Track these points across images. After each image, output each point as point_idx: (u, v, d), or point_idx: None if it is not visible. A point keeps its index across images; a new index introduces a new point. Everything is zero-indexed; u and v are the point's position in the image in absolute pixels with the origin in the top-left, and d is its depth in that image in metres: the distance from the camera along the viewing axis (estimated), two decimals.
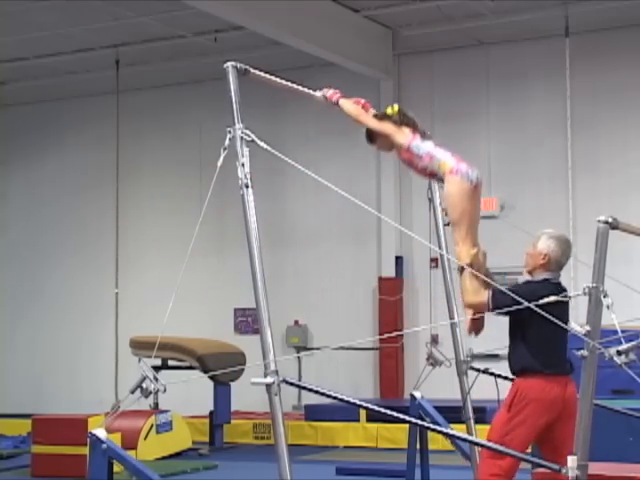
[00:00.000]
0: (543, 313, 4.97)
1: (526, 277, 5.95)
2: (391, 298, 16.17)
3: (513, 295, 5.21)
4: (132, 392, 4.72)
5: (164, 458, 12.74)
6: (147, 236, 18.30)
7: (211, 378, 13.22)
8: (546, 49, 15.59)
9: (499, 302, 5.60)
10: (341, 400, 4.91)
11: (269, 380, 4.63)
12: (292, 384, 4.85)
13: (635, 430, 8.25)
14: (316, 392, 4.88)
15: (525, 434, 5.62)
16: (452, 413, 7.64)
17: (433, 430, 5.62)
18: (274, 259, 15.98)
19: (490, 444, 5.41)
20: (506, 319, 5.85)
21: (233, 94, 5.08)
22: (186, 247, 5.31)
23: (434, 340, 14.16)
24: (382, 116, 6.09)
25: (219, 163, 4.95)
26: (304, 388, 5.13)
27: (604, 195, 14.86)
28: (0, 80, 18.18)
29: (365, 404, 5.03)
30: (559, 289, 5.75)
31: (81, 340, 18.51)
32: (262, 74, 5.44)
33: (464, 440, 6.35)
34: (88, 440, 4.98)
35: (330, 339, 15.96)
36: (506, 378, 6.18)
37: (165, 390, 4.68)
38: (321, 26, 14.58)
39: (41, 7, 14.58)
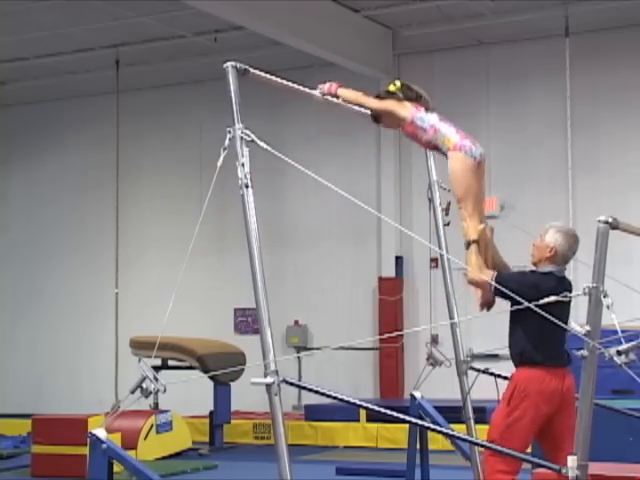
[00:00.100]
0: (540, 312, 4.98)
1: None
2: (391, 298, 16.16)
3: (513, 294, 5.22)
4: (132, 392, 4.72)
5: (164, 458, 12.74)
6: (147, 236, 18.30)
7: (211, 378, 13.21)
8: (546, 49, 15.59)
9: (502, 285, 5.60)
10: (341, 400, 4.91)
11: (269, 380, 4.63)
12: (292, 384, 4.85)
13: (635, 430, 8.24)
14: (316, 392, 4.88)
15: (526, 427, 5.63)
16: (452, 413, 7.64)
17: (433, 430, 5.62)
18: (274, 259, 15.98)
19: (491, 445, 5.42)
20: (506, 316, 5.86)
21: (233, 94, 5.08)
22: (186, 247, 5.30)
23: (434, 340, 14.18)
24: (385, 94, 6.10)
25: (219, 163, 4.95)
26: (304, 388, 5.13)
27: (604, 195, 14.87)
28: (0, 80, 18.18)
29: (365, 404, 5.03)
30: (563, 283, 5.76)
31: (81, 340, 18.51)
32: (262, 74, 5.44)
33: (464, 440, 6.36)
34: (88, 440, 4.97)
35: (330, 339, 15.96)
36: (506, 378, 6.18)
37: (165, 390, 4.68)
38: (321, 26, 14.57)
39: (41, 7, 14.58)
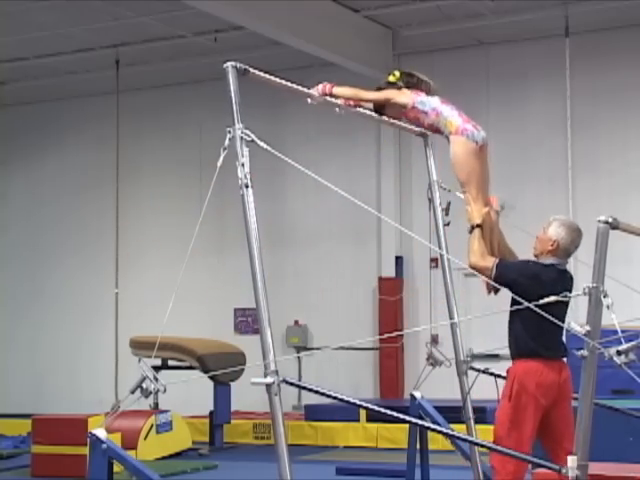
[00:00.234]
0: (538, 311, 4.98)
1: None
2: (391, 298, 16.16)
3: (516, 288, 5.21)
4: (132, 392, 4.72)
5: (164, 458, 12.74)
6: (147, 236, 18.30)
7: (211, 378, 13.21)
8: (546, 49, 15.59)
9: (502, 273, 5.61)
10: (341, 400, 4.91)
11: (269, 380, 4.63)
12: (292, 384, 4.85)
13: (635, 430, 8.25)
14: (316, 392, 4.87)
15: (529, 419, 5.64)
16: (452, 413, 7.63)
17: (433, 430, 5.61)
18: (274, 259, 15.98)
19: (491, 445, 5.42)
20: (506, 316, 5.86)
21: (233, 94, 5.08)
22: (186, 247, 5.30)
23: (434, 340, 14.17)
24: (385, 85, 6.11)
25: (219, 163, 4.94)
26: (304, 388, 5.13)
27: (604, 195, 14.87)
28: (0, 80, 18.18)
29: (365, 404, 5.03)
30: (564, 276, 5.77)
31: (81, 340, 18.51)
32: (262, 74, 5.44)
33: (464, 440, 6.35)
34: (88, 440, 4.97)
35: (330, 339, 15.96)
36: (505, 378, 6.18)
37: (165, 390, 4.68)
38: (321, 26, 14.57)
39: (41, 7, 14.58)
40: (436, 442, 10.41)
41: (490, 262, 5.69)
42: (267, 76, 5.50)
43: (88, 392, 17.81)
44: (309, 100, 6.03)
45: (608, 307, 4.43)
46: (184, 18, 15.03)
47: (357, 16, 15.34)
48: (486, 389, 6.35)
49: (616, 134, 15.17)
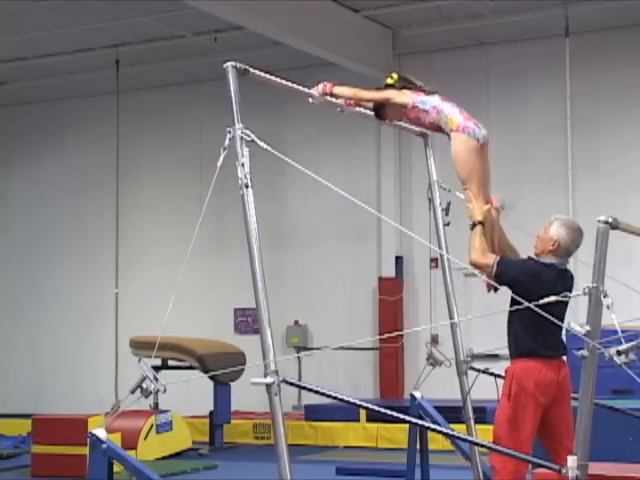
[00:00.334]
0: (538, 311, 4.98)
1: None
2: (391, 298, 16.16)
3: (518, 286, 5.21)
4: (132, 392, 4.72)
5: (164, 458, 12.74)
6: (147, 236, 18.30)
7: (211, 378, 13.21)
8: (546, 49, 15.59)
9: (503, 271, 5.61)
10: (341, 400, 4.91)
11: (269, 380, 4.63)
12: (292, 384, 4.85)
13: (635, 430, 8.25)
14: (316, 392, 4.87)
15: (529, 419, 5.64)
16: (452, 413, 7.63)
17: (433, 430, 5.61)
18: (274, 259, 15.98)
19: (491, 445, 5.42)
20: (506, 316, 5.86)
21: (233, 94, 5.08)
22: (186, 247, 5.30)
23: (434, 340, 14.17)
24: (384, 87, 6.11)
25: (219, 163, 4.95)
26: (304, 388, 5.13)
27: (604, 195, 14.87)
28: (0, 80, 18.18)
29: (365, 404, 5.03)
30: (565, 275, 5.77)
31: (81, 340, 18.51)
32: (262, 74, 5.44)
33: (464, 440, 6.36)
34: (88, 440, 4.98)
35: (330, 339, 15.96)
36: (506, 377, 6.18)
37: (165, 390, 4.68)
38: (321, 26, 14.57)
39: (41, 7, 14.58)
40: (436, 442, 10.41)
41: (491, 259, 5.69)
42: (267, 76, 5.50)
43: (88, 392, 17.81)
44: (310, 99, 6.03)
45: (608, 307, 4.43)
46: (184, 18, 15.03)
47: (357, 16, 15.34)
48: (486, 389, 6.35)
49: (616, 134, 15.17)
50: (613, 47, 15.22)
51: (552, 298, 5.00)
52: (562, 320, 5.45)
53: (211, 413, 14.11)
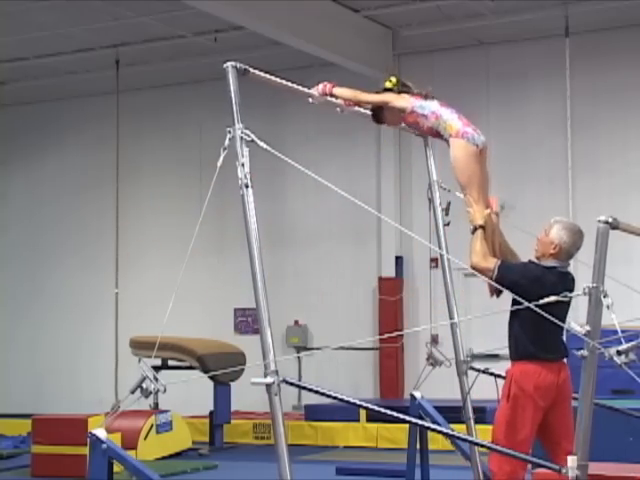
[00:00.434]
0: (537, 310, 4.98)
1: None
2: (391, 298, 16.16)
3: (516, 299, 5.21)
4: (132, 392, 4.72)
5: (164, 458, 12.74)
6: (147, 236, 18.30)
7: (211, 378, 13.21)
8: (546, 49, 15.59)
9: (503, 275, 5.61)
10: (341, 400, 4.91)
11: (269, 380, 4.62)
12: (292, 384, 4.85)
13: (635, 430, 8.25)
14: (316, 392, 4.87)
15: (527, 421, 5.65)
16: (452, 413, 7.63)
17: (433, 430, 5.62)
18: (274, 259, 15.98)
19: (491, 445, 5.42)
20: (506, 316, 5.85)
21: (233, 94, 5.07)
22: (186, 247, 5.30)
23: (434, 340, 14.17)
24: (382, 91, 6.11)
25: (219, 163, 4.94)
26: (304, 388, 5.13)
27: (604, 195, 14.86)
28: (0, 80, 18.18)
29: (365, 404, 5.03)
30: (566, 278, 5.77)
31: (81, 340, 18.51)
32: (262, 74, 5.44)
33: (464, 440, 6.36)
34: (88, 440, 4.97)
35: (330, 339, 15.96)
36: (505, 378, 6.17)
37: (165, 390, 4.68)
38: (321, 26, 14.57)
39: (41, 7, 14.58)
40: (436, 442, 10.41)
41: (492, 263, 5.69)
42: (267, 76, 5.50)
43: (88, 392, 17.81)
44: (310, 99, 6.03)
45: (608, 307, 4.43)
46: (184, 18, 15.03)
47: (357, 16, 15.34)
48: (486, 389, 6.35)
49: (616, 134, 15.17)
50: (613, 47, 15.22)
51: (552, 298, 4.99)
52: (563, 323, 5.45)
53: (211, 413, 14.11)
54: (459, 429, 6.04)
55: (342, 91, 6.04)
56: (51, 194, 19.23)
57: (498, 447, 5.44)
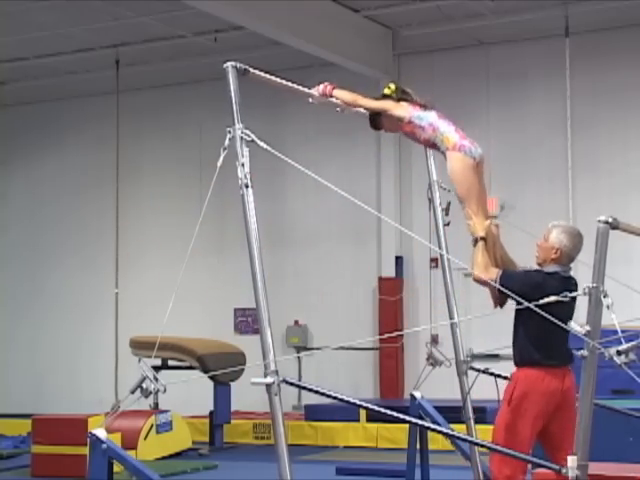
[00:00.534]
0: (541, 312, 4.97)
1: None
2: (391, 298, 16.16)
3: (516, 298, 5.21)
4: (132, 392, 4.71)
5: (164, 458, 12.74)
6: (147, 236, 18.31)
7: (211, 378, 13.21)
8: (546, 49, 15.59)
9: (505, 285, 5.60)
10: (341, 400, 4.91)
11: (269, 380, 4.62)
12: (292, 384, 4.85)
13: (635, 430, 8.25)
14: (316, 392, 4.87)
15: (527, 426, 5.63)
16: (452, 413, 7.63)
17: (433, 430, 5.61)
18: (274, 259, 15.98)
19: (491, 445, 5.42)
20: (506, 316, 5.85)
21: (233, 94, 5.07)
22: (186, 247, 5.30)
23: (434, 340, 14.17)
24: (381, 97, 6.10)
25: (219, 163, 4.94)
26: (304, 388, 5.13)
27: (604, 195, 14.87)
28: (0, 80, 18.18)
29: (365, 404, 5.02)
30: (568, 283, 5.76)
31: (81, 340, 18.51)
32: (262, 74, 5.44)
33: (464, 440, 6.36)
34: (88, 440, 4.97)
35: (330, 339, 15.96)
36: (506, 378, 6.17)
37: (165, 390, 4.67)
38: (321, 26, 14.57)
39: (41, 7, 14.58)
40: (436, 442, 10.41)
41: (494, 274, 5.69)
42: (267, 76, 5.49)
43: (88, 392, 17.81)
44: (310, 99, 6.03)
45: (608, 307, 4.43)
46: (184, 18, 15.03)
47: (357, 16, 15.34)
48: (486, 389, 6.35)
49: (616, 134, 15.17)
50: (613, 47, 15.23)
51: (552, 298, 4.99)
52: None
53: (211, 413, 14.11)
54: (459, 429, 6.04)
55: (342, 94, 6.03)
56: (51, 194, 19.23)
57: (498, 447, 5.43)
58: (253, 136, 4.98)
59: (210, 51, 16.13)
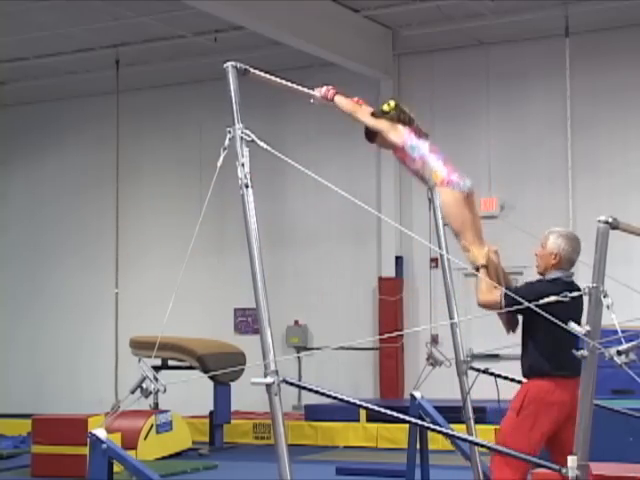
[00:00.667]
0: (545, 314, 4.95)
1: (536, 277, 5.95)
2: (391, 298, 16.16)
3: (518, 298, 5.19)
4: (132, 392, 4.71)
5: (164, 458, 12.74)
6: (147, 236, 18.31)
7: (211, 378, 13.21)
8: (546, 49, 15.59)
9: (510, 302, 5.59)
10: (341, 400, 4.91)
11: (269, 380, 4.62)
12: (292, 384, 4.84)
13: (635, 430, 8.25)
14: (316, 392, 4.87)
15: (534, 438, 5.62)
16: (452, 413, 7.63)
17: (433, 430, 5.61)
18: (274, 259, 15.99)
19: (491, 445, 5.41)
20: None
21: (233, 94, 5.07)
22: (186, 247, 5.30)
23: (434, 340, 14.17)
24: (379, 113, 6.09)
25: (219, 163, 4.94)
26: (304, 388, 5.13)
27: (604, 195, 14.87)
28: (0, 80, 18.18)
29: (365, 404, 5.02)
30: (571, 288, 5.74)
31: (81, 340, 18.52)
32: (262, 74, 5.44)
33: (464, 440, 6.35)
34: (88, 440, 4.97)
35: (330, 339, 15.96)
36: (506, 378, 6.18)
37: (165, 390, 4.67)
38: (321, 26, 14.57)
39: (41, 7, 14.59)
40: (436, 442, 10.41)
41: (497, 294, 5.69)
42: (267, 76, 5.49)
43: (88, 392, 17.82)
44: (311, 100, 6.04)
45: (608, 307, 4.42)
46: (184, 18, 15.03)
47: (357, 16, 15.35)
48: (486, 389, 6.35)
49: (616, 134, 15.17)
50: (613, 47, 15.23)
51: (552, 298, 4.98)
52: (577, 337, 5.45)
53: (211, 413, 14.11)
54: (459, 429, 6.04)
55: (342, 102, 6.06)
56: (51, 194, 19.23)
57: (498, 447, 5.42)
58: (253, 136, 4.98)
59: (210, 51, 16.14)
